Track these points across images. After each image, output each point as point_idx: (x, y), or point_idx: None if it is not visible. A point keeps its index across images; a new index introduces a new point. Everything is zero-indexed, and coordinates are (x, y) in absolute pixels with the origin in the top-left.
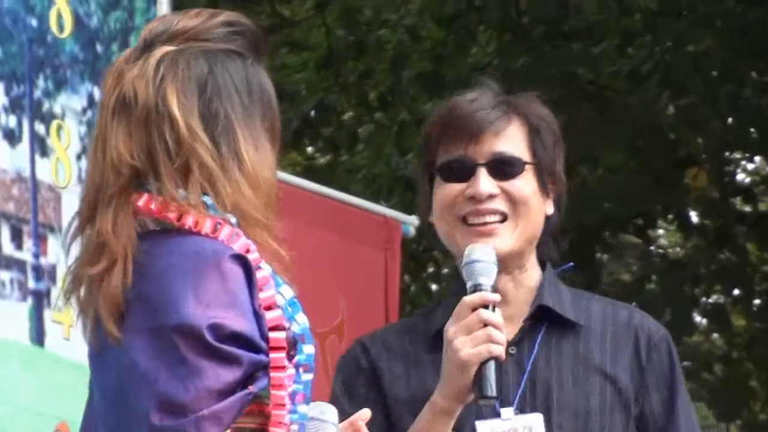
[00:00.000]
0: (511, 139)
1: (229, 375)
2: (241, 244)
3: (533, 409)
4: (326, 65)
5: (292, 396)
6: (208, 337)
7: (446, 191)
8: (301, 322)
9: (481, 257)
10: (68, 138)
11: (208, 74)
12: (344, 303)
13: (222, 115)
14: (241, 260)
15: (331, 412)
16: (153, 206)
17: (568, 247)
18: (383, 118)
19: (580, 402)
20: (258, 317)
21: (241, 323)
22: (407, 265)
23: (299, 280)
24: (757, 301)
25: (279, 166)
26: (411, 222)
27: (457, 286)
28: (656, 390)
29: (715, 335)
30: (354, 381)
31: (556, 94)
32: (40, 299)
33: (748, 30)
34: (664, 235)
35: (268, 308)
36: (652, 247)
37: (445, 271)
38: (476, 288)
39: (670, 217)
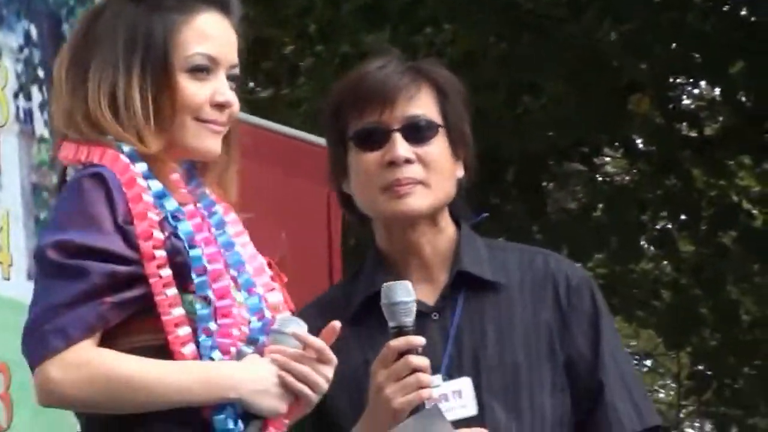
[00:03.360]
0: (423, 103)
1: (74, 287)
2: (119, 166)
3: (461, 374)
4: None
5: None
6: (51, 255)
7: (364, 161)
8: (183, 229)
9: (401, 298)
10: (5, 77)
11: (90, 21)
12: (286, 239)
13: (90, 47)
14: (99, 178)
15: (293, 323)
16: (62, 153)
17: (514, 177)
18: (324, 51)
19: (506, 359)
20: (123, 230)
21: (93, 238)
22: None
23: (240, 213)
24: (704, 227)
25: None
26: None
27: (374, 258)
28: (580, 333)
29: (663, 262)
30: None
31: (497, 24)
32: None
33: None
34: (609, 162)
35: (140, 220)
36: (597, 175)
37: None
38: (400, 330)
39: (615, 144)
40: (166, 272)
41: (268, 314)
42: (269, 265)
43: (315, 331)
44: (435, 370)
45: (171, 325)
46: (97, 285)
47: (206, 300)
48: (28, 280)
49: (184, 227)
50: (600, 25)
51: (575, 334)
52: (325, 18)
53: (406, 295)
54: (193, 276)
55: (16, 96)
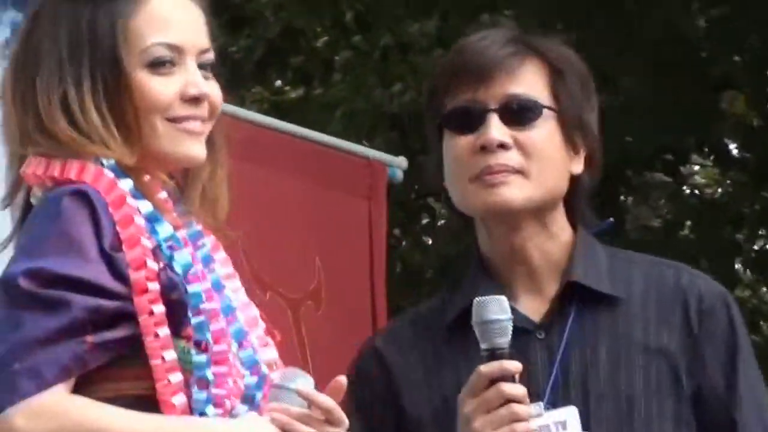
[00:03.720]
0: (528, 81)
1: (50, 322)
2: (104, 183)
3: (567, 402)
4: None
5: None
6: (24, 284)
7: (455, 146)
8: (180, 259)
9: (494, 316)
10: None
11: (30, 26)
12: (321, 263)
13: (32, 58)
14: (83, 197)
15: (299, 377)
16: (29, 170)
17: None
18: (362, 42)
19: (621, 387)
20: (110, 258)
21: (75, 267)
22: (396, 216)
23: (265, 236)
24: None
25: (241, 103)
26: (399, 164)
27: (476, 264)
28: (713, 363)
29: (762, 288)
30: (367, 397)
31: (564, 9)
32: None
33: None
34: (698, 171)
35: (131, 245)
36: (684, 187)
37: (441, 222)
38: (493, 353)
39: (705, 150)
40: (159, 309)
41: (265, 369)
42: (262, 317)
43: (414, 342)
44: (537, 396)
45: (161, 370)
46: (77, 321)
47: (201, 346)
48: None
49: (182, 258)
50: (687, 9)
51: (707, 363)
52: (364, 4)
53: (500, 312)
54: (190, 316)
55: None
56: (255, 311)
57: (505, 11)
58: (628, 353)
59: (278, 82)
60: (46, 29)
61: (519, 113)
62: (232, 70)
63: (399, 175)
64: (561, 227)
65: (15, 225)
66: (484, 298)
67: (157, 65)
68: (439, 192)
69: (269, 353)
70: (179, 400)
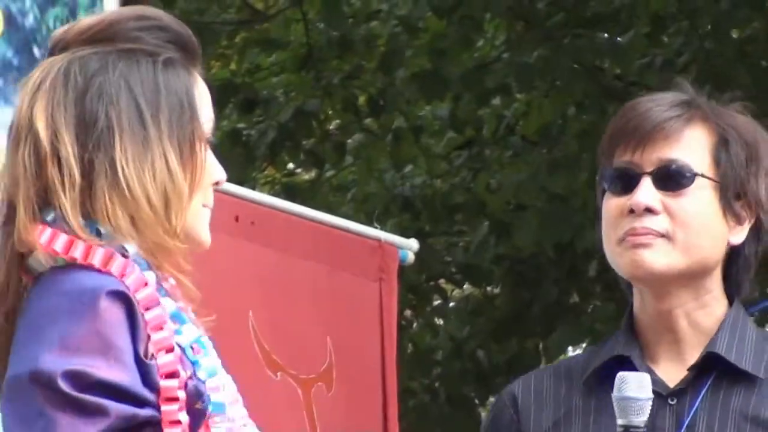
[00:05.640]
0: (688, 146)
1: (87, 428)
2: (134, 278)
3: None
4: (306, 66)
5: None
6: (63, 386)
7: (608, 207)
8: (206, 366)
9: (632, 394)
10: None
11: (92, 78)
12: (332, 344)
13: (101, 124)
14: (122, 298)
15: None
16: (42, 240)
17: (596, 272)
18: (374, 125)
19: None
20: (143, 365)
21: (112, 371)
22: (407, 298)
23: (277, 318)
24: None
25: (252, 184)
26: (409, 246)
27: (627, 324)
28: None
29: None
30: None
31: (578, 92)
32: None
33: None
34: None
35: (165, 351)
36: None
37: (452, 305)
38: (627, 430)
39: None
40: (184, 418)
41: None
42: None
43: (551, 392)
44: None
45: None
46: (112, 428)
47: None
48: None
49: (209, 366)
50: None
51: None
52: (376, 87)
53: (638, 391)
54: (212, 426)
55: None
56: (243, 409)
57: (518, 95)
58: (755, 430)
59: (290, 165)
60: (114, 89)
61: (671, 178)
62: (245, 152)
63: (410, 257)
64: (715, 297)
65: None
66: (627, 373)
67: (209, 142)
68: (450, 273)
69: None
70: None
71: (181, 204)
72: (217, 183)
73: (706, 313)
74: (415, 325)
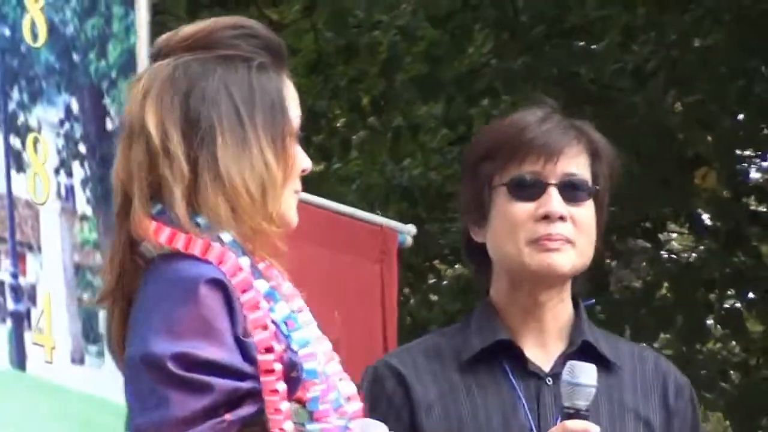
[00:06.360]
0: (581, 164)
1: (196, 403)
2: (230, 265)
3: None
4: (316, 70)
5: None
6: (172, 366)
7: (516, 210)
8: (298, 338)
9: (586, 381)
10: (45, 152)
11: (196, 81)
12: (339, 319)
13: (204, 123)
14: (220, 285)
15: (374, 428)
16: (150, 231)
17: None
18: (377, 123)
19: None
20: (242, 343)
21: (215, 351)
22: (406, 277)
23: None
24: None
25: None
26: (408, 231)
27: (486, 312)
28: None
29: (731, 342)
30: (384, 410)
31: (557, 95)
32: (20, 321)
33: (758, 23)
34: (675, 238)
35: (261, 329)
36: (662, 252)
37: (445, 283)
38: (578, 413)
39: (681, 220)
40: (282, 387)
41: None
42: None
43: (426, 369)
44: None
45: None
46: (218, 402)
47: (312, 416)
48: (72, 363)
49: (300, 338)
50: (664, 96)
51: None
52: (378, 89)
53: (590, 379)
54: (307, 392)
55: (57, 172)
56: (328, 344)
57: (504, 97)
58: (622, 414)
59: None
60: (214, 91)
61: (575, 191)
62: None
63: (408, 240)
64: (568, 294)
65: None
66: (580, 362)
67: (298, 137)
68: (443, 255)
69: (347, 387)
70: None
71: (276, 192)
72: (304, 171)
73: (564, 307)
74: (412, 300)
